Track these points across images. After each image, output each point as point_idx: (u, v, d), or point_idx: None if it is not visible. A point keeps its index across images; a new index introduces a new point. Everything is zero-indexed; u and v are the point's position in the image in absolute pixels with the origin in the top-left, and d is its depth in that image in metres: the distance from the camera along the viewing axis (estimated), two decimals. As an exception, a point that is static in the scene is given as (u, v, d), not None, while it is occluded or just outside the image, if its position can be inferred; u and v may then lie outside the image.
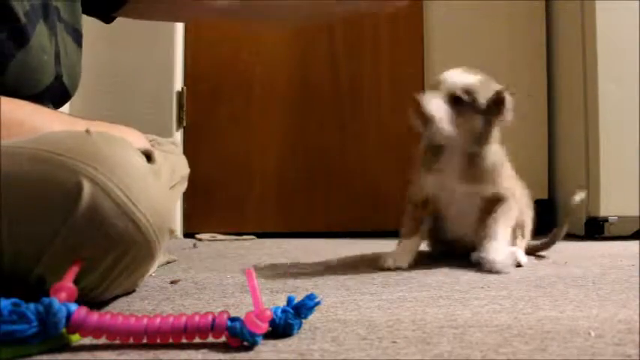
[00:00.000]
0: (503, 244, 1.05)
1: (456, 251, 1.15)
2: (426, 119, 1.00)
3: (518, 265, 1.06)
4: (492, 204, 1.08)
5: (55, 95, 0.86)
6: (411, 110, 1.03)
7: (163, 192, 0.67)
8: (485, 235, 1.05)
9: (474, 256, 1.05)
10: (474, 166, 1.07)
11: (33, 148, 0.62)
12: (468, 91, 1.04)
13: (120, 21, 1.79)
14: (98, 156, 0.61)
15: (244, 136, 1.89)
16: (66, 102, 0.91)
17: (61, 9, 0.88)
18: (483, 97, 1.05)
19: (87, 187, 0.58)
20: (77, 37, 0.93)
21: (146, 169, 0.65)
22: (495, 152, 1.08)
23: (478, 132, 1.06)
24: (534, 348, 0.49)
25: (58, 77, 0.86)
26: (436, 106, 1.01)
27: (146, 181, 0.63)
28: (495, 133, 1.08)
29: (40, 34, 0.81)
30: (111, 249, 0.60)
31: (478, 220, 1.09)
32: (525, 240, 1.17)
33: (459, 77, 1.05)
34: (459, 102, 1.02)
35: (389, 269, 1.02)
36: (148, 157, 0.68)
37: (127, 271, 0.64)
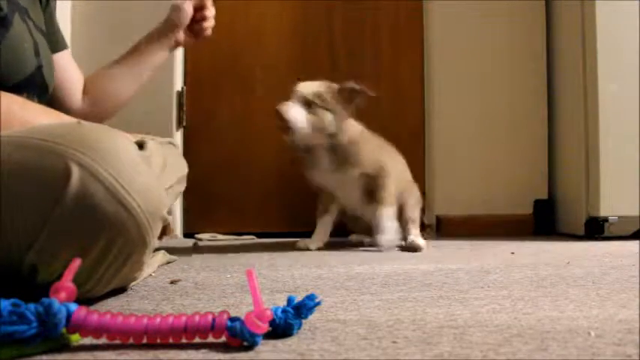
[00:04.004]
0: (390, 221, 1.33)
1: (361, 226, 1.45)
2: (287, 125, 1.28)
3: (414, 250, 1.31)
4: (369, 181, 1.35)
5: (37, 87, 0.88)
6: (276, 120, 1.30)
7: (154, 178, 0.67)
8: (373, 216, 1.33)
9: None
10: (336, 155, 1.33)
11: (22, 136, 0.63)
12: (317, 95, 1.30)
13: (119, 21, 1.80)
14: (87, 141, 0.61)
15: (244, 136, 1.88)
16: (46, 96, 0.92)
17: (29, 9, 0.92)
18: (330, 97, 1.32)
19: (75, 172, 0.58)
20: (44, 36, 0.96)
21: (136, 155, 0.65)
22: (352, 138, 1.34)
23: (331, 127, 1.30)
24: (534, 348, 0.49)
25: (39, 68, 0.89)
26: (293, 111, 1.28)
27: (136, 165, 0.63)
28: (349, 123, 1.34)
29: (17, 23, 0.84)
30: (101, 233, 0.60)
31: (363, 198, 1.36)
32: (417, 222, 1.43)
33: (307, 87, 1.31)
34: (310, 105, 1.29)
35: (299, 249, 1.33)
36: (140, 146, 0.68)
37: (119, 259, 0.63)
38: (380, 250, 1.31)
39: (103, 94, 1.12)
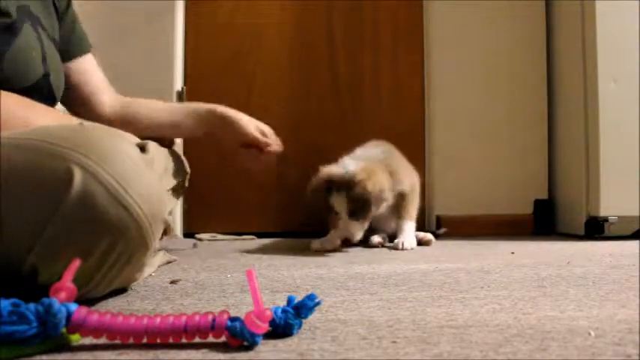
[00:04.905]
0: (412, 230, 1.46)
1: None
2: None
3: None
4: (401, 197, 1.43)
5: (44, 94, 0.88)
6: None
7: (156, 180, 0.67)
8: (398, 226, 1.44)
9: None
10: None
11: (25, 138, 0.63)
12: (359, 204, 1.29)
13: (120, 21, 1.80)
14: (89, 144, 0.61)
15: (244, 136, 1.88)
16: (53, 104, 0.92)
17: (41, 18, 0.92)
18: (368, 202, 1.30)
19: (78, 174, 0.58)
20: (56, 46, 0.96)
21: (138, 158, 0.65)
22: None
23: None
24: (534, 348, 0.49)
25: (46, 76, 0.89)
26: (357, 233, 1.30)
27: (138, 168, 0.63)
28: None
29: (26, 32, 0.84)
30: (103, 236, 0.60)
31: (392, 210, 1.44)
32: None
33: (341, 201, 1.30)
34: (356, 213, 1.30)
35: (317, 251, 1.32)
36: (142, 148, 0.68)
37: (120, 261, 0.63)
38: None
39: (133, 115, 1.12)
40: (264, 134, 1.23)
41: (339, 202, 1.29)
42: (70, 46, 1.04)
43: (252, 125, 1.20)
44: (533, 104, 1.88)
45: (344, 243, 1.34)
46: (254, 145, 1.21)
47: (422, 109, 1.91)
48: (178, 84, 1.85)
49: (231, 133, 1.18)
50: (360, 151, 1.45)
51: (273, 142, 1.24)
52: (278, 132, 1.88)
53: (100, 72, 1.11)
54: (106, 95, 1.11)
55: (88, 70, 1.08)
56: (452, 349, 0.49)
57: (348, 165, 1.33)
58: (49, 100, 0.90)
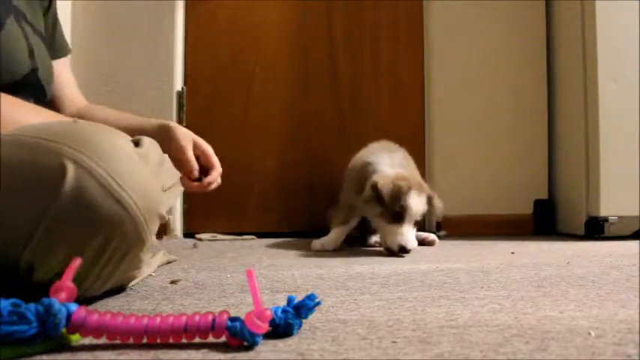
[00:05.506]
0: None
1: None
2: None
3: None
4: None
5: (33, 89, 0.87)
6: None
7: (151, 175, 0.67)
8: None
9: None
10: None
11: (17, 134, 0.63)
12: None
13: (120, 21, 1.80)
14: (82, 139, 0.61)
15: (244, 136, 1.89)
16: (44, 98, 0.92)
17: (27, 13, 0.91)
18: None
19: (71, 170, 0.58)
20: (44, 40, 0.95)
21: (132, 152, 0.64)
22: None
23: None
24: (534, 348, 0.49)
25: (35, 70, 0.88)
26: (412, 242, 1.27)
27: (132, 163, 0.63)
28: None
29: (10, 25, 0.83)
30: (97, 231, 0.60)
31: None
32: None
33: (418, 207, 1.29)
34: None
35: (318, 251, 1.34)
36: (136, 143, 0.68)
37: (116, 257, 0.63)
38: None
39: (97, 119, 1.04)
40: (204, 154, 1.03)
41: (417, 205, 1.28)
42: (52, 47, 1.02)
43: (187, 138, 1.01)
44: (533, 104, 1.88)
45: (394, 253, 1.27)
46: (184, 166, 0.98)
47: (422, 109, 1.91)
48: (178, 84, 1.85)
49: (167, 143, 0.94)
50: (388, 156, 1.42)
51: (214, 171, 1.03)
52: (278, 131, 1.90)
53: (71, 77, 1.06)
54: (66, 100, 1.03)
55: (60, 73, 1.03)
56: (452, 349, 0.49)
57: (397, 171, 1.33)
58: (40, 94, 0.90)
